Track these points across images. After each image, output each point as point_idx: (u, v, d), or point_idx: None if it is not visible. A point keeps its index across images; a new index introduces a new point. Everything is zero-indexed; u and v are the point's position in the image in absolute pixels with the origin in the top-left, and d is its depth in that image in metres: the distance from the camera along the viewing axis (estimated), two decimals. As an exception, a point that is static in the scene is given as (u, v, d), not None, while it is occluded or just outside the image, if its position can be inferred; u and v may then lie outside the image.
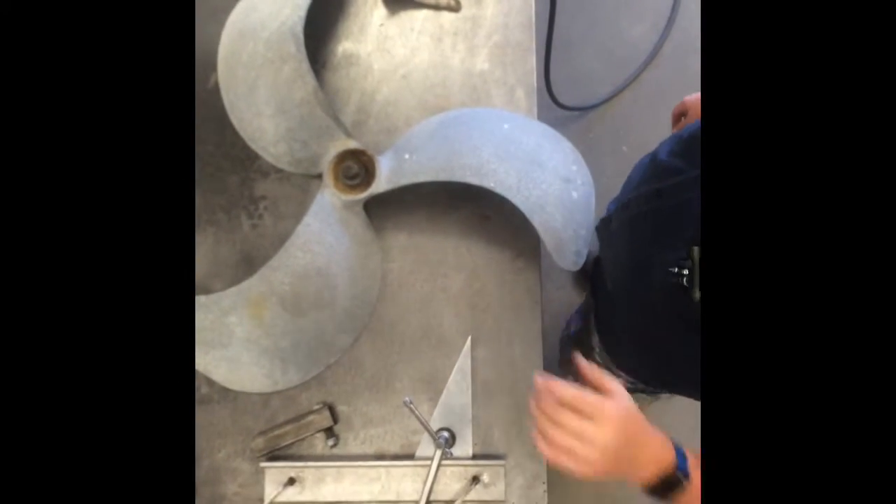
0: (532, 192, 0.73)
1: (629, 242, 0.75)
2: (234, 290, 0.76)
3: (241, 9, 0.80)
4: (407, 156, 0.76)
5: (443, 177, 0.73)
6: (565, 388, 0.56)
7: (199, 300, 0.76)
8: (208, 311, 0.76)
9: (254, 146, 0.79)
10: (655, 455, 0.55)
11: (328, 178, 0.77)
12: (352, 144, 0.77)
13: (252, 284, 0.76)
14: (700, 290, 0.54)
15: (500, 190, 0.72)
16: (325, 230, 0.77)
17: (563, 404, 0.56)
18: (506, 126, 0.78)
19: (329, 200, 0.78)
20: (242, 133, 0.78)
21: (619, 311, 0.81)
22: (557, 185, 0.75)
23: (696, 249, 0.56)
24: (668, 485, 0.55)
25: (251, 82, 0.76)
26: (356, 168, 0.76)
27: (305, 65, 0.73)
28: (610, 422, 0.54)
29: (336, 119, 0.76)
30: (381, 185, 0.76)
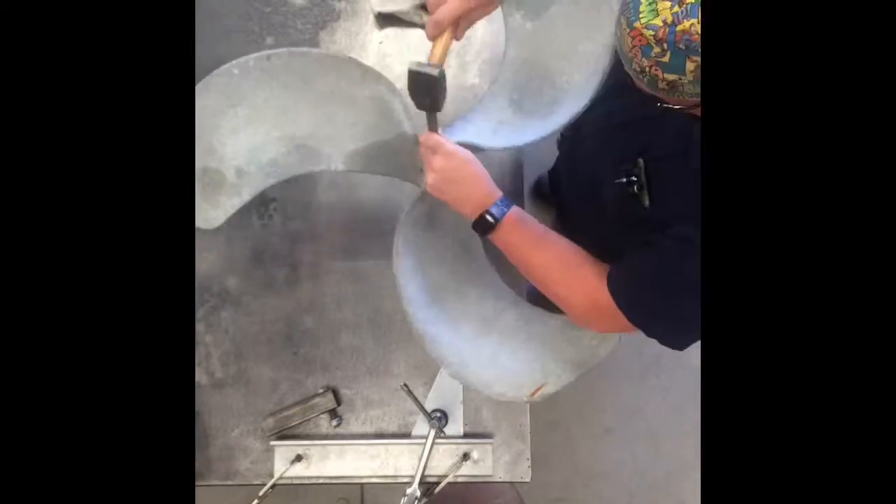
0: None
1: (583, 157, 0.87)
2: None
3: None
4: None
5: None
6: (427, 136, 0.72)
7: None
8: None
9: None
10: (477, 198, 0.70)
11: None
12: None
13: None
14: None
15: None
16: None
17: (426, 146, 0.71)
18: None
19: None
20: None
21: (576, 213, 0.96)
22: None
23: (640, 161, 0.70)
24: (479, 224, 0.70)
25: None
26: None
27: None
28: (442, 157, 0.69)
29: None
30: None
